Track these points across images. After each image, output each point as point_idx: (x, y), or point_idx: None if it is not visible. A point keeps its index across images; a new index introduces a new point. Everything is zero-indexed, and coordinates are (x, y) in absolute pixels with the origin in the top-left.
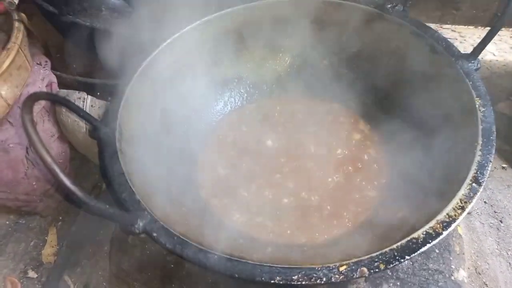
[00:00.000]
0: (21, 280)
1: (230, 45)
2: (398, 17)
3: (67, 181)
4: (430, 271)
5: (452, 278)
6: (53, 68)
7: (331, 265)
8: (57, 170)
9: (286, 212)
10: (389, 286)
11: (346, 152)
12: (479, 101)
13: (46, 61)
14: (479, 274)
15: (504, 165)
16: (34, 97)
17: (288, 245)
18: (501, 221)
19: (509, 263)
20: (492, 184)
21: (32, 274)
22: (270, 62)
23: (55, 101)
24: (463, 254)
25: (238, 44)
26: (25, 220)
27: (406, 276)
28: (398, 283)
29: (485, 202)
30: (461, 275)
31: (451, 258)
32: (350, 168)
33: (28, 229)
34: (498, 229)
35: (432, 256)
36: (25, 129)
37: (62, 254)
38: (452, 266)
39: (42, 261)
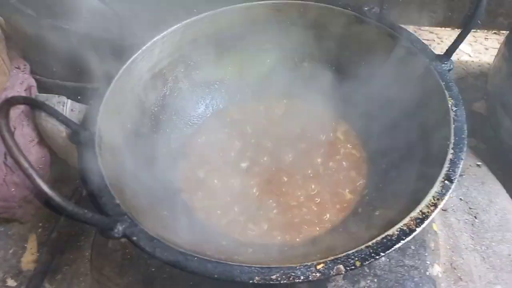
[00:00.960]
0: None
1: (211, 48)
2: (375, 20)
3: (44, 186)
4: (406, 267)
5: (427, 273)
6: (32, 72)
7: (308, 263)
8: (34, 175)
9: (268, 212)
10: (367, 283)
11: (326, 153)
12: (452, 101)
13: (25, 65)
14: (454, 269)
15: (478, 163)
16: (11, 102)
17: (268, 245)
18: (475, 217)
19: (483, 257)
20: (467, 181)
21: (11, 282)
22: (251, 64)
23: (33, 106)
24: (438, 250)
25: (218, 47)
26: (3, 227)
27: (383, 272)
28: (376, 280)
29: (460, 199)
30: (436, 270)
31: (426, 254)
32: (330, 169)
33: (7, 236)
34: (472, 224)
35: (408, 253)
36: (1, 134)
37: (42, 260)
38: (427, 262)
39: (21, 268)
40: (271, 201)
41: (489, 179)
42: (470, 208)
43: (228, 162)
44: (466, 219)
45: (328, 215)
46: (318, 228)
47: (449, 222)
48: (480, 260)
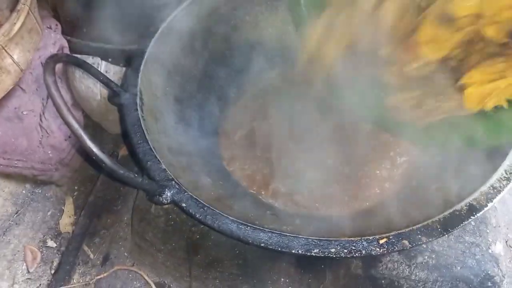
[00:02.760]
0: (41, 249)
1: (251, 9)
2: None
3: (95, 149)
4: (466, 244)
5: (490, 251)
6: (63, 33)
7: (370, 237)
8: (85, 137)
9: (315, 182)
10: (424, 259)
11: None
12: None
13: (57, 25)
14: (510, 247)
15: None
16: (55, 59)
17: (318, 217)
18: None
19: None
20: None
21: (51, 243)
22: None
23: (75, 64)
24: (499, 227)
25: (259, 7)
26: (41, 190)
27: (441, 248)
28: (433, 256)
29: None
30: (498, 248)
31: (487, 231)
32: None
33: (44, 198)
34: None
35: (468, 229)
36: (49, 91)
37: (80, 223)
38: (489, 239)
39: (60, 230)
40: (321, 170)
41: None
42: None
43: (272, 128)
44: None
45: (381, 185)
46: (371, 199)
47: (503, 198)
48: None
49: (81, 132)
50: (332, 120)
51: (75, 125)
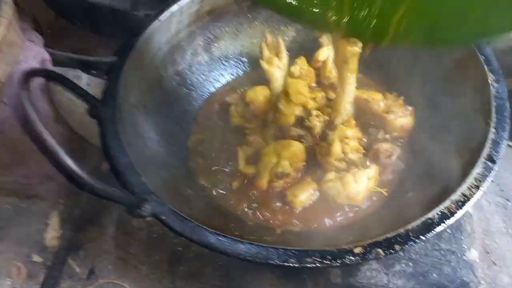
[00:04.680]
0: (26, 265)
1: (230, 20)
2: None
3: (71, 164)
4: (442, 252)
5: (464, 258)
6: (45, 45)
7: (346, 247)
8: (60, 152)
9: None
10: (402, 267)
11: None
12: (492, 76)
13: (38, 37)
14: (488, 253)
15: (510, 144)
16: (31, 73)
17: (294, 231)
18: (507, 200)
19: None
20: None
21: (36, 258)
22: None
23: (52, 78)
24: (474, 233)
25: (238, 18)
26: (25, 204)
27: (418, 256)
28: (411, 264)
29: (491, 180)
30: (473, 254)
31: (462, 238)
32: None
33: (29, 212)
34: (505, 208)
35: (444, 236)
36: (23, 107)
37: (65, 237)
38: (464, 246)
39: (45, 245)
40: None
41: None
42: (502, 191)
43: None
44: (498, 201)
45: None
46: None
47: (480, 205)
48: None
49: (56, 148)
50: None
51: (50, 140)
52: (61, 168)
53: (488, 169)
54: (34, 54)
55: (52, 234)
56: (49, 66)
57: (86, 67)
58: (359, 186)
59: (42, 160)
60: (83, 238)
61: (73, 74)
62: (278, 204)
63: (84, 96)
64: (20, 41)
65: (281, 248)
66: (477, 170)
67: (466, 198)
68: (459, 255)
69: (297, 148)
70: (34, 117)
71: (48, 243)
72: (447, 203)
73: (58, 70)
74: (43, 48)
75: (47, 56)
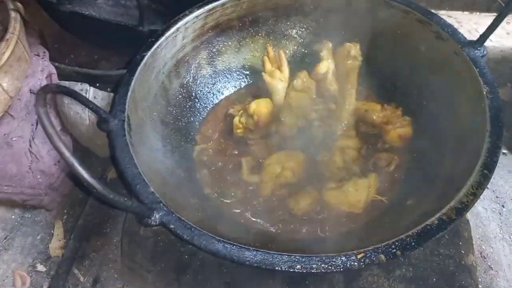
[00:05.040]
0: (30, 274)
1: (233, 34)
2: (403, 4)
3: (85, 174)
4: (441, 257)
5: (463, 262)
6: (50, 59)
7: (349, 252)
8: (76, 164)
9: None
10: (402, 272)
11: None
12: (487, 88)
13: (44, 52)
14: (484, 258)
15: (504, 151)
16: (46, 90)
17: (297, 238)
18: (503, 206)
19: None
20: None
21: (40, 267)
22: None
23: (65, 94)
24: (471, 239)
25: (241, 32)
26: (30, 214)
27: (418, 261)
28: (411, 269)
29: (487, 188)
30: (471, 259)
31: (460, 243)
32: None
33: (34, 222)
34: (500, 214)
35: (442, 242)
36: (41, 122)
37: (70, 247)
38: (462, 251)
39: (49, 254)
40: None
41: None
42: (497, 197)
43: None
44: (494, 208)
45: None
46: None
47: (476, 211)
48: (509, 249)
49: (72, 160)
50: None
51: (67, 153)
52: (75, 178)
53: (484, 177)
54: (41, 68)
55: (56, 244)
56: (56, 79)
57: (91, 80)
58: (360, 194)
59: (47, 172)
60: (87, 248)
61: (79, 88)
62: (281, 212)
63: (95, 110)
64: (28, 56)
65: (286, 255)
66: (474, 178)
67: (463, 205)
68: (457, 260)
69: (299, 157)
70: (52, 131)
71: (52, 253)
72: (445, 210)
73: (66, 83)
74: (49, 62)
75: (53, 70)
